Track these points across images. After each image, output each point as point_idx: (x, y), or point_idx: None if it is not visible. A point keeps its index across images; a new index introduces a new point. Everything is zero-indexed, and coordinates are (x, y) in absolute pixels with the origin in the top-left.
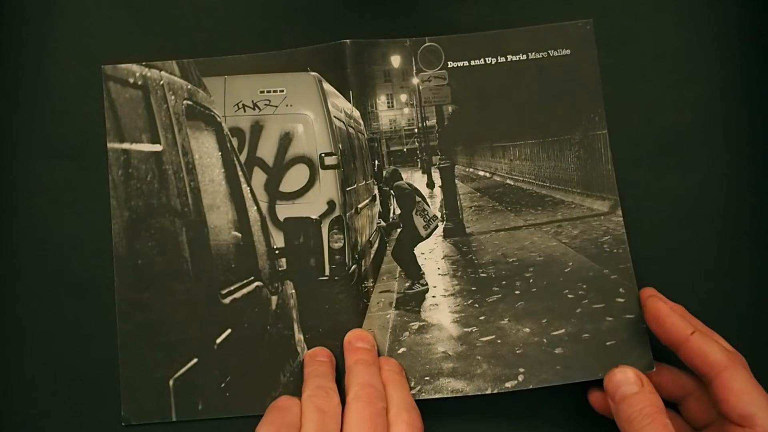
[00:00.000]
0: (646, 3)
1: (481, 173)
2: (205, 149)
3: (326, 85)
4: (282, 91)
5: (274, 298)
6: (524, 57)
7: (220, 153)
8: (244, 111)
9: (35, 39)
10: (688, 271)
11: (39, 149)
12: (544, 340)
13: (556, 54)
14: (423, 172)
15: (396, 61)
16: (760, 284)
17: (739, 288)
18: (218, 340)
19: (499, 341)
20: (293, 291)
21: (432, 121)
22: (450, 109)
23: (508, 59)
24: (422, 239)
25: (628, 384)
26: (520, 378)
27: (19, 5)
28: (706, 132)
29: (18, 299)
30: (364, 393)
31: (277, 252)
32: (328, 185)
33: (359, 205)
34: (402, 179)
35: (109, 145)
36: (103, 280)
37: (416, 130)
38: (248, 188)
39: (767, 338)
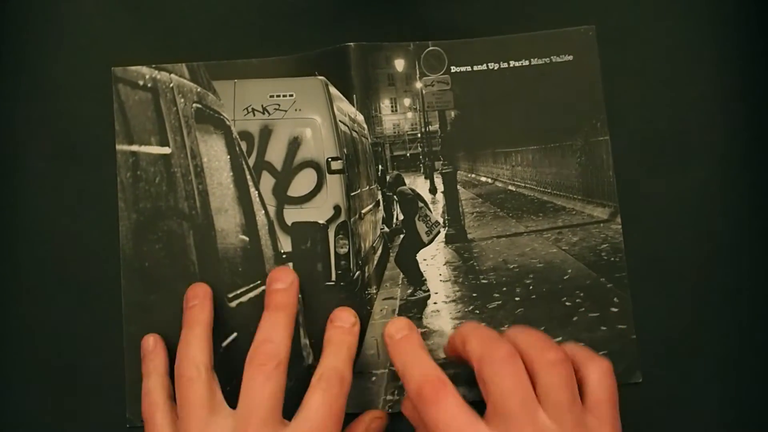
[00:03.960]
0: (648, 7)
1: (483, 179)
2: (213, 152)
3: (332, 89)
4: (291, 95)
5: None
6: (527, 63)
7: (228, 156)
8: (254, 115)
9: (45, 40)
10: (687, 271)
11: (47, 150)
12: None
13: (558, 60)
14: (425, 178)
15: (399, 64)
16: (760, 284)
17: (739, 288)
18: (224, 344)
19: None
20: (300, 296)
21: (435, 126)
22: (453, 114)
23: (511, 65)
24: (424, 245)
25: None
26: None
27: (28, 7)
28: (708, 134)
29: (24, 300)
30: (256, 354)
31: (284, 256)
32: (334, 190)
33: (363, 211)
34: (405, 184)
35: (118, 147)
36: (109, 282)
37: (419, 135)
38: (256, 192)
39: (767, 338)
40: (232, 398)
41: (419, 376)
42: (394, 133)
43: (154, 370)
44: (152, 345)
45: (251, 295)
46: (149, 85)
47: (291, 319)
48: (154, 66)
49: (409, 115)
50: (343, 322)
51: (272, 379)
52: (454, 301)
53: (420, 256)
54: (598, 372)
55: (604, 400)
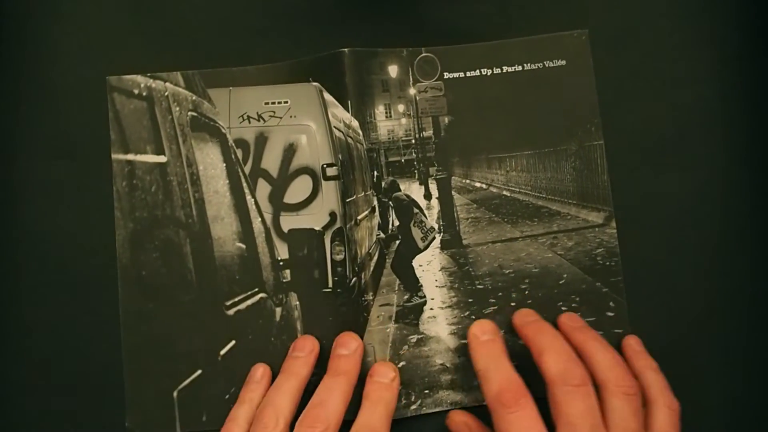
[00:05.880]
0: (640, 10)
1: (478, 184)
2: (209, 160)
3: (326, 95)
4: (286, 102)
5: (279, 310)
6: (520, 68)
7: (224, 164)
8: (249, 122)
9: (39, 50)
10: (687, 272)
11: (43, 161)
12: None
13: (551, 65)
14: (420, 184)
15: (393, 71)
16: (758, 286)
17: (737, 290)
18: (222, 352)
19: None
20: (297, 303)
21: (429, 132)
22: (446, 120)
23: (504, 70)
24: (420, 251)
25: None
26: None
27: (22, 16)
28: (705, 134)
29: (23, 311)
30: (308, 416)
31: (281, 263)
32: (329, 196)
33: (359, 217)
34: (400, 190)
35: (114, 156)
36: (107, 292)
37: (413, 141)
38: (252, 199)
39: (766, 340)
40: (232, 406)
41: (501, 381)
42: (389, 139)
43: (249, 401)
44: (259, 376)
45: (249, 302)
46: (144, 93)
47: (350, 386)
48: (149, 75)
49: (404, 121)
50: (381, 377)
51: None
52: (450, 306)
53: (416, 262)
54: (668, 409)
55: None
